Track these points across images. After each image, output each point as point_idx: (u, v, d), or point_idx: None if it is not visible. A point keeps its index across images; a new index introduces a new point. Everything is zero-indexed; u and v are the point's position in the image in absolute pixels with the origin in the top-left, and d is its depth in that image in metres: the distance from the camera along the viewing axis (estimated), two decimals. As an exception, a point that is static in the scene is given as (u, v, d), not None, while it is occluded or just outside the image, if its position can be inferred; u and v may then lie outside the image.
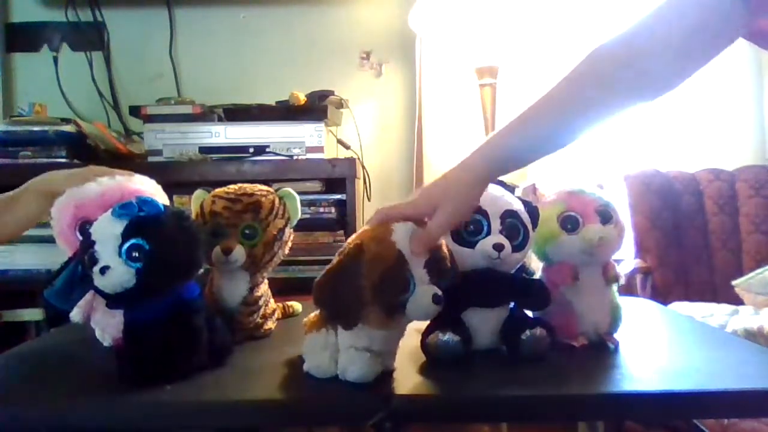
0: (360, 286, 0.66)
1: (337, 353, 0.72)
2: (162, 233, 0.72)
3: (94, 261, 0.71)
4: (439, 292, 0.67)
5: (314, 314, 0.78)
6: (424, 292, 0.67)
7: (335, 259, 0.70)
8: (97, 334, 0.91)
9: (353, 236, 0.72)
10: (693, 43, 0.68)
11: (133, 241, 0.70)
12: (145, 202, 0.73)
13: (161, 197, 0.90)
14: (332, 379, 0.72)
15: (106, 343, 0.90)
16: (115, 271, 0.69)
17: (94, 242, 0.71)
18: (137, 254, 0.70)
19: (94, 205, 0.84)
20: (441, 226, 0.70)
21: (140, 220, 0.71)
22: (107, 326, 0.87)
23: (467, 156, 0.74)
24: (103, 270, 0.69)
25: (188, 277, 0.77)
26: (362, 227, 0.73)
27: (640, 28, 0.70)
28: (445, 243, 0.73)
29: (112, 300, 0.73)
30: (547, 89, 0.73)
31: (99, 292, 0.72)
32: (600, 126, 0.73)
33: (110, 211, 0.72)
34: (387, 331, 0.71)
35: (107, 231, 0.71)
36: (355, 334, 0.71)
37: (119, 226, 0.70)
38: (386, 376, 0.73)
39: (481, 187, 0.74)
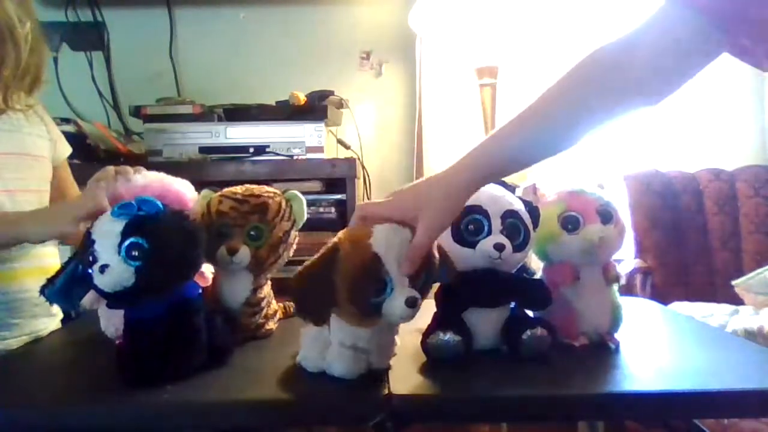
0: (332, 285, 0.67)
1: (327, 348, 0.73)
2: (161, 232, 0.72)
3: (94, 259, 0.71)
4: (416, 295, 0.67)
5: None
6: (398, 294, 0.66)
7: (316, 256, 0.70)
8: (102, 324, 0.92)
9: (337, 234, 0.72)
10: (668, 58, 0.67)
11: (132, 239, 0.70)
12: (144, 202, 0.73)
13: (192, 194, 0.92)
14: (332, 379, 0.73)
15: (109, 334, 0.90)
16: (115, 269, 0.69)
17: (93, 241, 0.71)
18: (136, 253, 0.70)
19: (135, 195, 0.84)
20: (426, 241, 0.68)
21: (139, 219, 0.71)
22: (113, 316, 0.87)
23: (457, 161, 0.72)
24: (103, 268, 0.69)
25: (187, 276, 0.77)
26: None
27: (634, 37, 0.69)
28: (436, 243, 0.72)
29: (112, 299, 0.73)
30: (543, 93, 0.71)
31: (99, 291, 0.72)
32: (598, 130, 0.71)
33: (110, 211, 0.73)
34: (367, 329, 0.71)
35: (106, 230, 0.71)
36: (343, 330, 0.72)
37: (118, 225, 0.71)
38: (383, 375, 0.74)
39: (467, 194, 0.72)
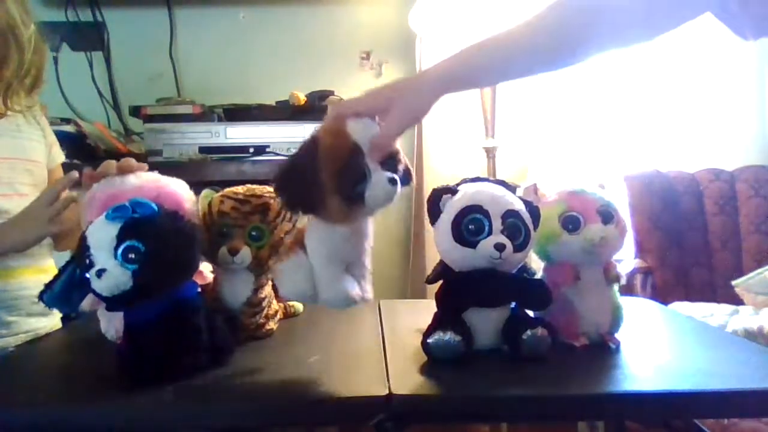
0: (317, 177, 0.68)
1: (311, 274, 0.73)
2: (157, 234, 0.71)
3: (91, 264, 0.70)
4: (395, 176, 0.69)
5: (284, 245, 0.80)
6: (379, 177, 0.68)
7: (295, 151, 0.72)
8: (102, 326, 0.91)
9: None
10: (658, 7, 0.72)
11: (128, 242, 0.69)
12: (138, 204, 0.73)
13: (188, 195, 0.91)
14: (332, 379, 0.73)
15: (110, 336, 0.90)
16: (111, 273, 0.69)
17: (89, 246, 0.71)
18: (133, 256, 0.69)
19: (130, 197, 0.83)
20: (394, 129, 0.72)
21: (135, 222, 0.71)
22: (113, 318, 0.87)
23: (428, 68, 0.77)
24: (99, 273, 0.69)
25: (185, 277, 0.77)
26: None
27: None
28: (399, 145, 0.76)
29: (110, 302, 0.73)
30: (526, 20, 0.78)
31: (97, 295, 0.72)
32: (565, 67, 0.77)
33: (104, 214, 0.72)
34: (349, 226, 0.72)
35: (102, 234, 0.70)
36: (322, 238, 0.72)
37: (114, 229, 0.70)
38: (386, 375, 0.74)
39: (433, 97, 0.75)
